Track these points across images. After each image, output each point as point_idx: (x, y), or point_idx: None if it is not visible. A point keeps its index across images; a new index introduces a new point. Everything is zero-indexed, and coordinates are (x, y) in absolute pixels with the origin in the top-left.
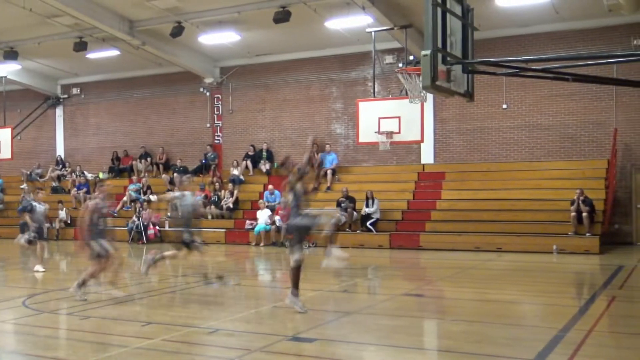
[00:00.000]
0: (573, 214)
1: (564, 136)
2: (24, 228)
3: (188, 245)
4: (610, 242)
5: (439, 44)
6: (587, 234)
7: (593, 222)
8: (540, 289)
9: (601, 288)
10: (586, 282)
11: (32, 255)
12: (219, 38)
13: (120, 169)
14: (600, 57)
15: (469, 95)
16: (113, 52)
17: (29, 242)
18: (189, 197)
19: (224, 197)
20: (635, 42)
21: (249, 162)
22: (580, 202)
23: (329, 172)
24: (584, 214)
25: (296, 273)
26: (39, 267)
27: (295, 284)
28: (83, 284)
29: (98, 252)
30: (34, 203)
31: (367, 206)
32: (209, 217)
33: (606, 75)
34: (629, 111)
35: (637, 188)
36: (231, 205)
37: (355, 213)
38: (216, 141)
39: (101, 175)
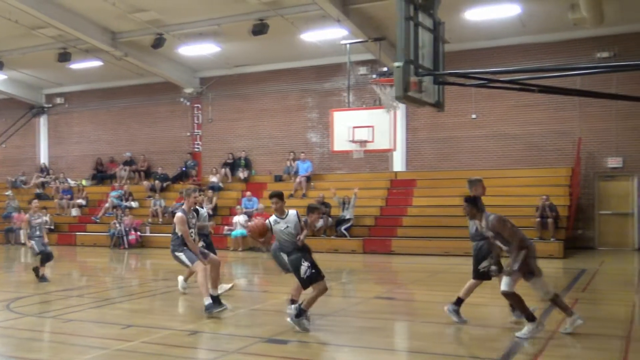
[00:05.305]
0: (538, 219)
1: (529, 145)
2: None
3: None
4: (573, 246)
5: (411, 56)
6: (552, 239)
7: (557, 228)
8: None
9: (565, 291)
10: (550, 285)
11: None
12: (198, 49)
13: (102, 176)
14: (564, 69)
15: (439, 105)
16: (96, 63)
17: (205, 254)
18: None
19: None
20: (598, 54)
21: (227, 170)
22: (546, 207)
23: (303, 179)
24: (549, 220)
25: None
26: (224, 285)
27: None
28: None
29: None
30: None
31: (343, 210)
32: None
33: (570, 87)
34: (592, 121)
35: (599, 195)
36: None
37: (330, 219)
38: (196, 149)
39: (84, 182)
